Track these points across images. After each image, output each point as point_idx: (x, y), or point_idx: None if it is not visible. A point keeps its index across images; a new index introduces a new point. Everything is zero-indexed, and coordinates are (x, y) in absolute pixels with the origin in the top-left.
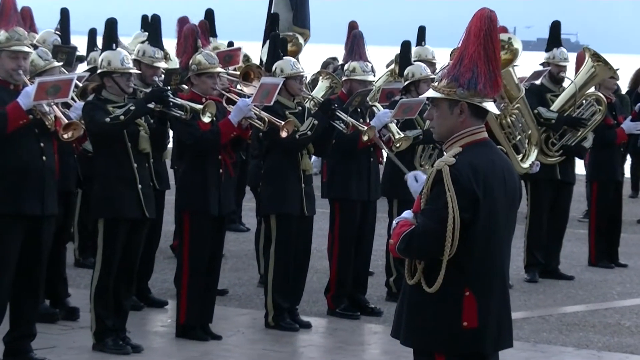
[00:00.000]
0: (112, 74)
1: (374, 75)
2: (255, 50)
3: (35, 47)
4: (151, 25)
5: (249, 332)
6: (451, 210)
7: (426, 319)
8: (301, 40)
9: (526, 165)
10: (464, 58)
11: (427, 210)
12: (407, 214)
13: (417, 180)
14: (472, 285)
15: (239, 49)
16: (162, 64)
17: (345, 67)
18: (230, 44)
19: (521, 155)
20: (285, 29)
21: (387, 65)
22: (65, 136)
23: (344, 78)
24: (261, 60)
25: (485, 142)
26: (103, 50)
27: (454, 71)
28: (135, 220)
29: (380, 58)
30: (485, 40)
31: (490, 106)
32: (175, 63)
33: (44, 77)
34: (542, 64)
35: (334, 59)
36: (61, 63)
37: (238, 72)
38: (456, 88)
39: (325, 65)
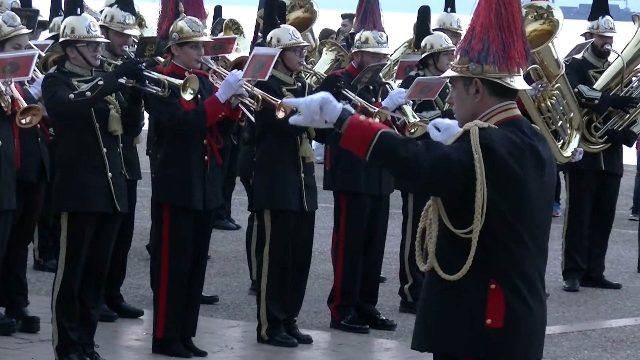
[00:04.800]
0: (76, 44)
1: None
2: (250, 17)
3: None
4: None
5: (238, 347)
6: (480, 177)
7: (444, 314)
8: (315, 6)
9: (568, 153)
10: (475, 27)
11: (450, 146)
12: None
13: (438, 129)
14: (499, 277)
15: (234, 39)
16: (134, 32)
17: (357, 37)
18: (218, 9)
19: (561, 142)
20: None
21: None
22: (23, 122)
23: (354, 50)
24: (257, 28)
25: (520, 120)
26: (66, 15)
27: (465, 44)
28: (105, 214)
29: (396, 27)
30: (497, 5)
31: (515, 81)
32: (151, 30)
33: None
34: (584, 35)
35: (338, 31)
36: (30, 30)
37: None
38: (468, 63)
39: (324, 35)
